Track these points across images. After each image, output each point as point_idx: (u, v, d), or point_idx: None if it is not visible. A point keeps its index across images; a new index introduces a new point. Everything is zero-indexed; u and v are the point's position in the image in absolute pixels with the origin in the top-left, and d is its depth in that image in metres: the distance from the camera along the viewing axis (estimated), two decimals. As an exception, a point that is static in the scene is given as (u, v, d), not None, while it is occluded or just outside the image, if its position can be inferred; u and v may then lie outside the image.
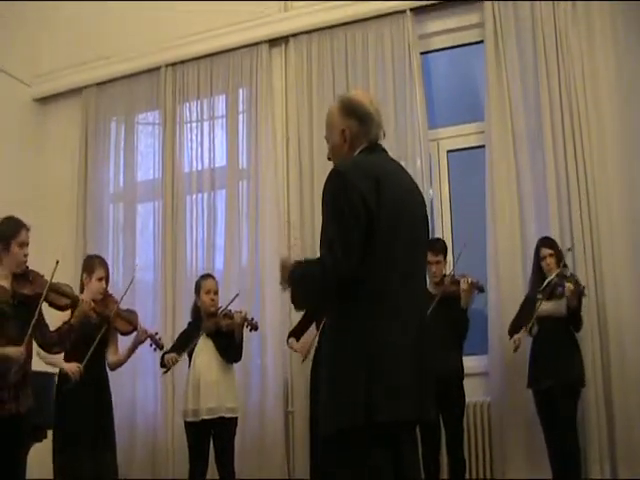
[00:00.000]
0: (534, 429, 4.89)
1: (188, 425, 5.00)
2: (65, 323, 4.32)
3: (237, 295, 5.16)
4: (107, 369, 4.85)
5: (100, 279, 4.83)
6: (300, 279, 2.57)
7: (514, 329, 4.97)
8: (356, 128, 2.63)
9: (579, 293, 4.75)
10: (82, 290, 4.81)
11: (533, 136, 5.52)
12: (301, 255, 5.25)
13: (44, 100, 7.37)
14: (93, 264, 4.89)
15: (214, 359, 5.02)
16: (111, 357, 4.87)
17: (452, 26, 6.02)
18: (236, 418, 5.04)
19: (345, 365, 2.43)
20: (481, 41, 5.85)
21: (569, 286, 4.67)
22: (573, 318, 4.80)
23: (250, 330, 5.14)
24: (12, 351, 3.92)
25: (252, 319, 5.12)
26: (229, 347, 5.03)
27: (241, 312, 5.06)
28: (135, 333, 4.85)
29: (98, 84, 7.06)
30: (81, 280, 4.90)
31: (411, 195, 2.65)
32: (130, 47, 6.89)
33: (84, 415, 4.60)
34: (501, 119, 5.58)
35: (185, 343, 5.10)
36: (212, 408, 4.91)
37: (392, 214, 2.48)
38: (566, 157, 5.38)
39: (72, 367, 4.61)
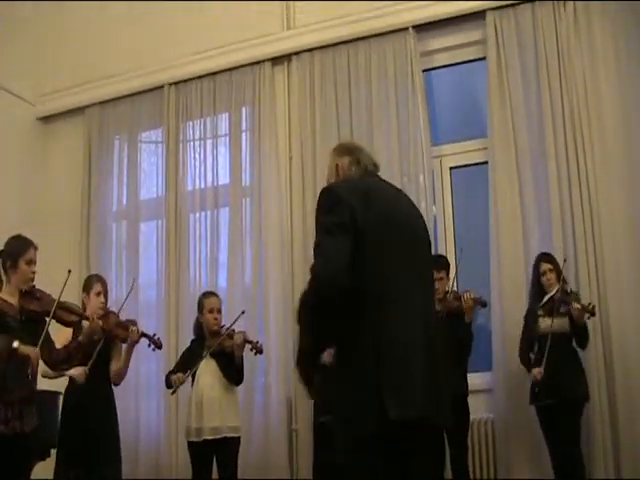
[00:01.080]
0: (539, 446, 4.98)
1: (191, 445, 5.10)
2: (73, 341, 4.45)
3: (243, 312, 5.30)
4: (112, 386, 4.99)
5: (98, 294, 5.04)
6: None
7: (524, 353, 5.10)
8: (347, 161, 2.82)
9: (588, 312, 4.85)
10: (84, 309, 4.97)
11: (536, 152, 5.66)
12: None
13: (47, 119, 7.57)
14: (89, 281, 5.15)
15: (217, 379, 5.13)
16: (112, 368, 5.00)
17: (454, 43, 6.17)
18: (239, 437, 5.13)
19: (354, 374, 2.51)
20: (483, 57, 6.01)
21: (576, 306, 4.80)
22: (579, 336, 4.91)
23: (255, 353, 5.26)
24: (30, 350, 4.05)
25: (257, 342, 5.22)
26: (230, 368, 5.14)
27: (242, 333, 5.18)
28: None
29: (101, 103, 7.25)
30: (82, 301, 5.08)
31: (405, 209, 2.77)
32: (133, 66, 7.08)
33: (88, 431, 4.73)
34: (504, 135, 5.72)
35: (189, 362, 5.20)
36: (215, 428, 5.02)
37: (384, 227, 2.58)
38: (569, 172, 5.50)
39: (78, 370, 4.76)
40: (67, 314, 4.41)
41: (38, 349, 4.11)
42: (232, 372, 5.15)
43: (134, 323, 5.08)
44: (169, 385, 5.23)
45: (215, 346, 5.13)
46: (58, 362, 4.41)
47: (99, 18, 7.40)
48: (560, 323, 4.89)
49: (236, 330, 5.21)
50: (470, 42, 6.14)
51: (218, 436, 5.01)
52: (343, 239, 2.52)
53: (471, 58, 6.20)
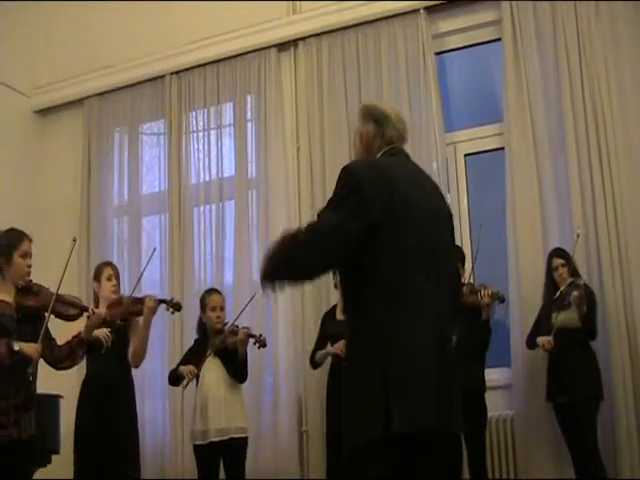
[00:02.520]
0: (560, 443, 5.00)
1: (197, 448, 5.14)
2: (75, 336, 4.43)
3: (255, 295, 5.37)
4: (131, 375, 5.04)
5: (109, 278, 5.10)
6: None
7: (530, 339, 5.17)
8: (373, 131, 2.79)
9: (586, 299, 4.88)
10: (97, 304, 5.04)
11: (555, 136, 5.65)
12: None
13: (45, 112, 7.63)
14: (99, 268, 5.22)
15: (222, 378, 5.17)
16: (130, 350, 5.00)
17: (468, 24, 6.17)
18: (246, 438, 5.16)
19: (362, 378, 2.53)
20: (498, 39, 6.00)
21: (574, 294, 4.84)
22: (585, 326, 4.93)
23: (258, 347, 5.28)
24: (28, 348, 4.06)
25: (260, 335, 5.25)
26: (234, 365, 5.18)
27: (246, 328, 5.20)
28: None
29: (100, 94, 7.29)
30: (94, 293, 5.16)
31: (428, 197, 2.75)
32: (133, 55, 7.12)
33: (103, 419, 4.79)
34: (521, 119, 5.72)
35: (193, 361, 5.23)
36: (221, 429, 5.05)
37: (402, 223, 2.58)
38: (590, 158, 5.49)
39: (102, 332, 4.71)
40: (67, 308, 4.40)
41: (39, 344, 4.11)
42: (236, 369, 5.18)
43: (147, 295, 5.08)
44: (174, 381, 5.27)
45: (219, 344, 5.16)
46: (60, 360, 4.40)
47: (96, 6, 7.42)
48: (569, 317, 4.95)
49: (240, 326, 5.23)
50: (484, 23, 6.13)
51: (224, 437, 5.04)
52: (347, 228, 2.53)
53: (486, 40, 6.19)
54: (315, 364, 5.38)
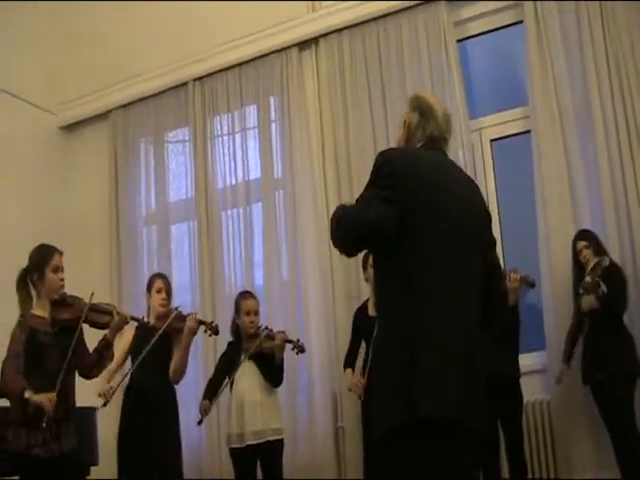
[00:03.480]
0: (599, 426, 5.01)
1: (233, 451, 5.24)
2: (102, 340, 4.53)
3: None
4: (173, 387, 5.18)
5: (158, 290, 5.26)
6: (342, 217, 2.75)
7: (569, 332, 5.25)
8: (416, 121, 2.88)
9: (610, 277, 4.91)
10: (148, 314, 5.24)
11: (582, 117, 5.68)
12: None
13: (71, 127, 7.90)
14: (151, 280, 5.39)
15: (257, 381, 5.26)
16: (171, 366, 5.14)
17: (488, 9, 6.25)
18: (282, 439, 5.26)
19: (389, 367, 2.62)
20: (520, 21, 6.06)
21: (586, 280, 4.92)
22: (605, 306, 4.94)
23: (297, 353, 5.40)
24: (43, 398, 4.10)
25: (298, 340, 5.37)
26: (270, 370, 5.28)
27: (282, 333, 5.32)
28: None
29: (124, 105, 7.52)
30: (146, 302, 5.34)
31: (463, 192, 2.82)
32: (154, 65, 7.33)
33: (146, 428, 4.93)
34: (546, 101, 5.76)
35: (228, 366, 5.36)
36: (257, 432, 5.14)
37: (432, 213, 2.66)
38: (619, 138, 5.50)
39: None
40: (99, 316, 4.51)
41: (53, 394, 4.14)
42: (272, 374, 5.29)
43: (193, 312, 5.24)
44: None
45: (255, 349, 5.26)
46: (89, 368, 4.49)
47: (115, 19, 7.69)
48: (589, 300, 4.98)
49: (274, 330, 5.34)
50: (505, 6, 6.20)
51: (261, 440, 5.13)
52: (377, 211, 2.62)
53: (507, 23, 6.26)
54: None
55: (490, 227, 2.95)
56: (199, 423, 5.29)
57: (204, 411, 5.22)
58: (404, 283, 2.63)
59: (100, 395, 4.88)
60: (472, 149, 6.02)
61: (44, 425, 4.09)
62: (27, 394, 4.10)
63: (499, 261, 3.04)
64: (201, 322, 5.18)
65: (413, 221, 2.62)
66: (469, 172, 5.70)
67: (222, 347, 5.80)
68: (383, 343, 2.69)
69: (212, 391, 5.32)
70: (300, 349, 5.38)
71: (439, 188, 2.70)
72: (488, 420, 2.71)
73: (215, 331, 5.25)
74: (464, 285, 2.68)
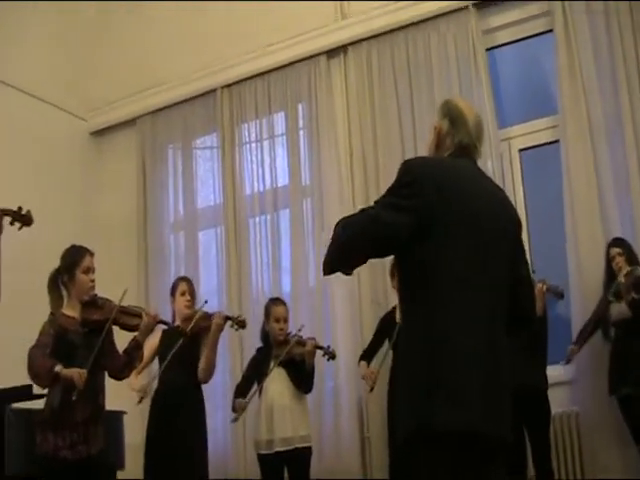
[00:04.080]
0: (627, 437, 5.01)
1: (261, 457, 5.27)
2: (132, 341, 4.54)
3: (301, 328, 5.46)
4: (200, 387, 5.23)
5: (182, 293, 5.34)
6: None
7: (581, 335, 5.24)
8: (446, 128, 2.82)
9: (631, 286, 4.93)
10: (174, 318, 5.29)
11: (611, 127, 5.68)
12: None
13: (100, 133, 8.01)
14: (175, 284, 5.47)
15: (287, 388, 5.29)
16: (199, 366, 5.20)
17: (518, 17, 6.26)
18: (310, 447, 5.29)
19: (409, 371, 2.60)
20: (550, 30, 6.08)
21: (620, 281, 4.88)
22: (634, 314, 4.95)
23: (328, 359, 5.44)
24: (74, 372, 4.14)
25: (328, 347, 5.42)
26: (301, 376, 5.31)
27: (313, 340, 5.35)
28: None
29: (153, 112, 7.61)
30: (171, 307, 5.40)
31: (491, 202, 2.76)
32: (183, 72, 7.42)
33: (173, 430, 5.00)
34: (576, 110, 5.77)
35: (258, 372, 5.39)
36: (286, 438, 5.16)
37: (457, 215, 2.62)
38: (649, 146, 5.51)
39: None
40: (129, 318, 4.53)
41: (85, 371, 4.18)
42: (303, 380, 5.32)
43: (218, 311, 5.31)
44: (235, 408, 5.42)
45: (285, 355, 5.29)
46: (119, 369, 4.50)
47: (144, 27, 7.82)
48: (620, 308, 5.01)
49: (304, 337, 5.37)
50: (535, 15, 6.22)
51: (290, 447, 5.16)
52: (391, 219, 2.59)
53: (537, 32, 6.28)
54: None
55: (520, 236, 2.91)
56: (234, 421, 5.36)
57: (240, 408, 5.25)
58: (427, 291, 2.61)
59: (137, 391, 4.99)
60: (501, 159, 6.04)
61: (74, 398, 4.12)
62: (57, 368, 4.14)
63: (529, 271, 3.04)
64: (227, 317, 5.25)
65: (436, 230, 2.59)
66: (497, 182, 5.60)
67: (247, 351, 5.87)
68: (405, 350, 2.69)
69: (243, 392, 5.36)
70: (331, 355, 5.42)
71: (464, 197, 2.66)
72: (513, 430, 2.66)
73: (242, 325, 5.30)
74: (489, 294, 2.64)
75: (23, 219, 3.62)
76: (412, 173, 2.67)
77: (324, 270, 2.82)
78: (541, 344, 5.18)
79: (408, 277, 2.71)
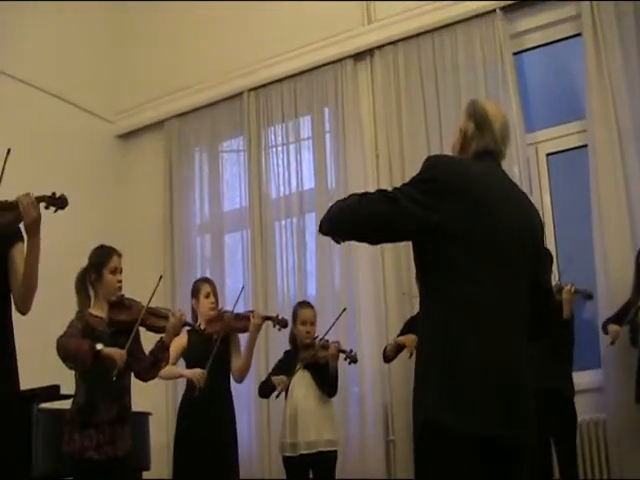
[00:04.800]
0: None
1: (286, 460, 5.31)
2: (158, 342, 4.57)
3: (344, 310, 5.55)
4: (231, 389, 5.30)
5: (207, 295, 5.39)
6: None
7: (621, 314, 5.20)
8: (471, 131, 2.85)
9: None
10: (195, 319, 5.34)
11: (640, 131, 5.66)
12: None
13: (126, 136, 8.08)
14: (197, 285, 5.51)
15: (311, 391, 5.33)
16: (234, 365, 5.29)
17: (546, 21, 6.24)
18: (336, 451, 5.31)
19: (425, 370, 2.63)
20: (578, 34, 6.06)
21: None
22: None
23: (349, 363, 5.46)
24: (114, 351, 4.24)
25: (350, 351, 5.43)
26: (325, 379, 5.34)
27: (337, 343, 5.38)
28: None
29: (179, 115, 7.67)
30: (192, 308, 5.44)
31: (513, 205, 2.79)
32: (210, 75, 7.48)
33: (204, 433, 5.05)
34: (604, 115, 5.73)
35: (283, 374, 5.42)
36: (310, 442, 5.20)
37: (474, 216, 2.64)
38: (679, 151, 5.48)
39: (195, 373, 5.07)
40: (156, 319, 4.57)
41: (125, 351, 4.28)
42: (327, 383, 5.35)
43: (252, 311, 5.39)
44: (264, 393, 5.47)
45: (310, 358, 5.34)
46: (146, 370, 4.52)
47: (172, 30, 7.90)
48: None
49: (330, 340, 5.40)
50: (563, 19, 6.19)
51: (313, 450, 5.20)
52: (404, 208, 2.63)
53: (565, 36, 6.25)
54: (385, 358, 5.58)
55: (542, 240, 2.93)
56: (277, 396, 5.37)
57: (280, 383, 5.29)
58: (443, 291, 2.64)
59: (195, 379, 5.02)
60: (528, 163, 6.02)
61: (114, 378, 4.21)
62: (99, 346, 4.21)
63: (550, 275, 3.04)
64: (266, 317, 5.32)
65: (453, 230, 2.62)
66: (524, 186, 5.73)
67: (272, 353, 5.91)
68: (421, 348, 2.72)
69: (267, 392, 5.44)
70: (352, 359, 5.43)
71: (485, 199, 2.68)
72: (535, 434, 2.67)
73: (283, 324, 5.38)
74: (508, 297, 2.65)
75: (58, 202, 3.68)
76: (435, 170, 2.71)
77: (321, 228, 2.88)
78: (567, 349, 5.16)
79: (425, 276, 2.76)
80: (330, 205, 2.87)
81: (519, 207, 2.83)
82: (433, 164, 2.74)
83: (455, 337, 2.57)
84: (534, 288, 2.77)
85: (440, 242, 2.64)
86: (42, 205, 3.66)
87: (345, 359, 5.42)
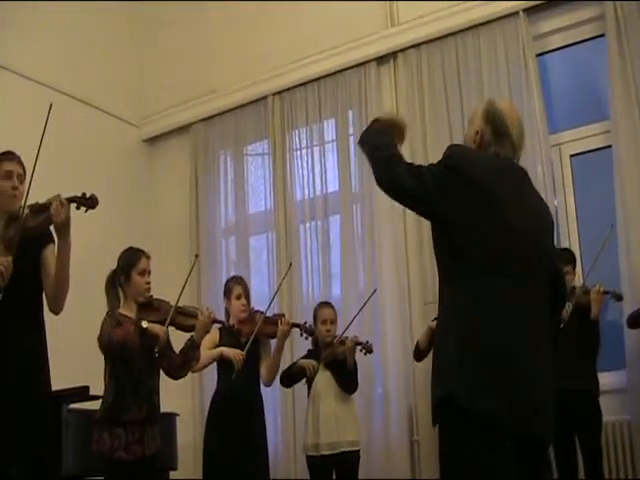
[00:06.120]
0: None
1: (309, 459, 5.36)
2: (188, 340, 4.61)
3: (374, 291, 5.67)
4: (261, 389, 5.34)
5: (238, 297, 5.39)
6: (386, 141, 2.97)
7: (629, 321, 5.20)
8: (489, 136, 2.90)
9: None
10: (228, 318, 5.38)
11: (666, 130, 5.64)
12: None
13: (153, 140, 8.18)
14: (229, 286, 5.50)
15: (332, 391, 5.36)
16: (263, 368, 5.34)
17: (569, 22, 6.24)
18: (358, 451, 5.34)
19: (443, 353, 2.70)
20: (602, 35, 6.06)
21: None
22: None
23: (365, 353, 5.46)
24: (159, 329, 4.36)
25: (366, 342, 5.44)
26: (344, 376, 5.38)
27: (354, 337, 5.42)
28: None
29: (205, 119, 7.76)
30: (225, 308, 5.48)
31: (527, 202, 2.86)
32: (235, 79, 7.56)
33: (234, 435, 5.09)
34: (628, 115, 5.73)
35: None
36: (332, 443, 5.25)
37: (491, 211, 2.71)
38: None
39: (236, 353, 5.10)
40: (185, 318, 4.61)
41: (166, 327, 4.41)
42: (345, 379, 5.38)
43: (283, 316, 5.42)
44: (289, 380, 5.53)
45: (328, 355, 5.39)
46: (176, 368, 4.56)
47: (197, 35, 7.97)
48: None
49: (349, 337, 5.44)
50: (586, 20, 6.20)
51: (335, 451, 5.24)
52: (431, 185, 2.74)
53: (588, 37, 6.25)
54: (419, 353, 5.57)
55: (553, 235, 3.00)
56: (308, 380, 5.44)
57: (312, 368, 5.35)
58: (465, 279, 2.69)
59: (235, 360, 5.07)
60: (551, 164, 6.02)
61: (157, 355, 4.34)
62: (144, 323, 4.33)
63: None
64: (294, 325, 5.37)
65: (468, 219, 2.70)
66: (548, 188, 5.78)
67: (297, 355, 5.95)
68: (441, 331, 2.78)
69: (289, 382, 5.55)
70: (368, 349, 5.43)
71: (500, 193, 2.74)
72: (551, 424, 2.72)
73: (310, 332, 5.43)
74: (526, 288, 2.71)
75: (89, 202, 3.76)
76: (455, 159, 2.79)
77: (361, 139, 3.04)
78: (593, 349, 5.18)
79: (445, 262, 2.81)
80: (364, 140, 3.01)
81: (532, 201, 2.91)
82: (455, 153, 2.83)
83: (476, 323, 2.63)
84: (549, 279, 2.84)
85: (457, 229, 2.71)
86: (73, 206, 3.73)
87: (361, 350, 5.43)
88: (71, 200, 3.73)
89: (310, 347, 5.64)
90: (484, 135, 2.89)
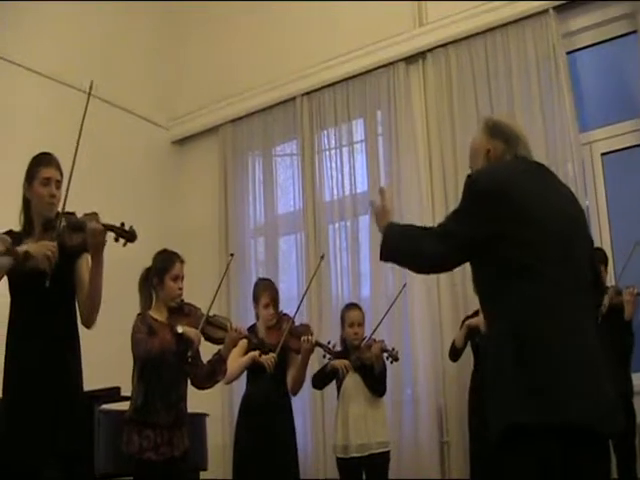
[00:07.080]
0: None
1: (339, 461, 5.37)
2: (216, 354, 4.61)
3: (404, 286, 5.71)
4: (289, 393, 5.33)
5: (266, 306, 5.34)
6: (400, 237, 2.95)
7: None
8: (501, 148, 2.88)
9: None
10: (258, 318, 5.38)
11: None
12: None
13: (182, 141, 8.24)
14: (257, 291, 5.45)
15: (362, 394, 5.37)
16: (289, 377, 5.32)
17: (599, 19, 6.19)
18: (388, 452, 5.34)
19: (501, 373, 2.63)
20: (633, 31, 6.01)
21: None
22: None
23: (391, 362, 5.45)
24: (193, 333, 4.37)
25: (393, 349, 5.42)
26: (372, 380, 5.37)
27: (381, 342, 5.40)
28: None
29: (233, 120, 7.80)
30: (255, 313, 5.46)
31: (560, 201, 2.82)
32: (264, 80, 7.57)
33: (263, 439, 5.09)
34: (660, 113, 5.71)
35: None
36: (362, 445, 5.25)
37: (528, 221, 2.66)
38: None
39: (267, 357, 5.09)
40: (214, 330, 4.56)
41: (199, 331, 4.42)
42: (374, 384, 5.38)
43: (308, 328, 5.37)
44: (321, 382, 5.54)
45: (356, 360, 5.38)
46: (202, 379, 4.56)
47: (224, 36, 8.03)
48: None
49: (376, 339, 5.45)
50: (617, 16, 6.14)
51: (365, 453, 5.24)
52: (466, 233, 2.71)
53: (619, 34, 6.20)
54: (455, 352, 5.56)
55: (588, 229, 2.98)
56: (342, 377, 5.42)
57: (343, 366, 5.33)
58: (513, 294, 2.64)
59: (267, 364, 5.06)
60: (582, 163, 5.98)
61: (189, 360, 4.38)
62: (180, 329, 4.34)
63: (597, 265, 3.06)
64: (318, 344, 5.28)
65: (508, 234, 2.65)
66: (579, 186, 5.74)
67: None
68: (495, 351, 2.70)
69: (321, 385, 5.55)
70: (394, 358, 5.41)
71: (532, 203, 2.70)
72: (622, 420, 2.69)
73: (334, 354, 5.34)
74: (576, 290, 2.68)
75: (127, 235, 3.67)
76: (476, 188, 2.74)
77: (382, 255, 2.98)
78: (627, 350, 5.15)
79: (488, 280, 2.76)
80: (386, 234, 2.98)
81: (570, 203, 2.86)
82: (474, 184, 2.77)
83: (532, 337, 2.58)
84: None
85: (499, 247, 2.66)
86: (112, 236, 3.65)
87: (387, 358, 5.42)
88: (109, 228, 3.68)
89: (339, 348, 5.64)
90: (496, 149, 2.88)
